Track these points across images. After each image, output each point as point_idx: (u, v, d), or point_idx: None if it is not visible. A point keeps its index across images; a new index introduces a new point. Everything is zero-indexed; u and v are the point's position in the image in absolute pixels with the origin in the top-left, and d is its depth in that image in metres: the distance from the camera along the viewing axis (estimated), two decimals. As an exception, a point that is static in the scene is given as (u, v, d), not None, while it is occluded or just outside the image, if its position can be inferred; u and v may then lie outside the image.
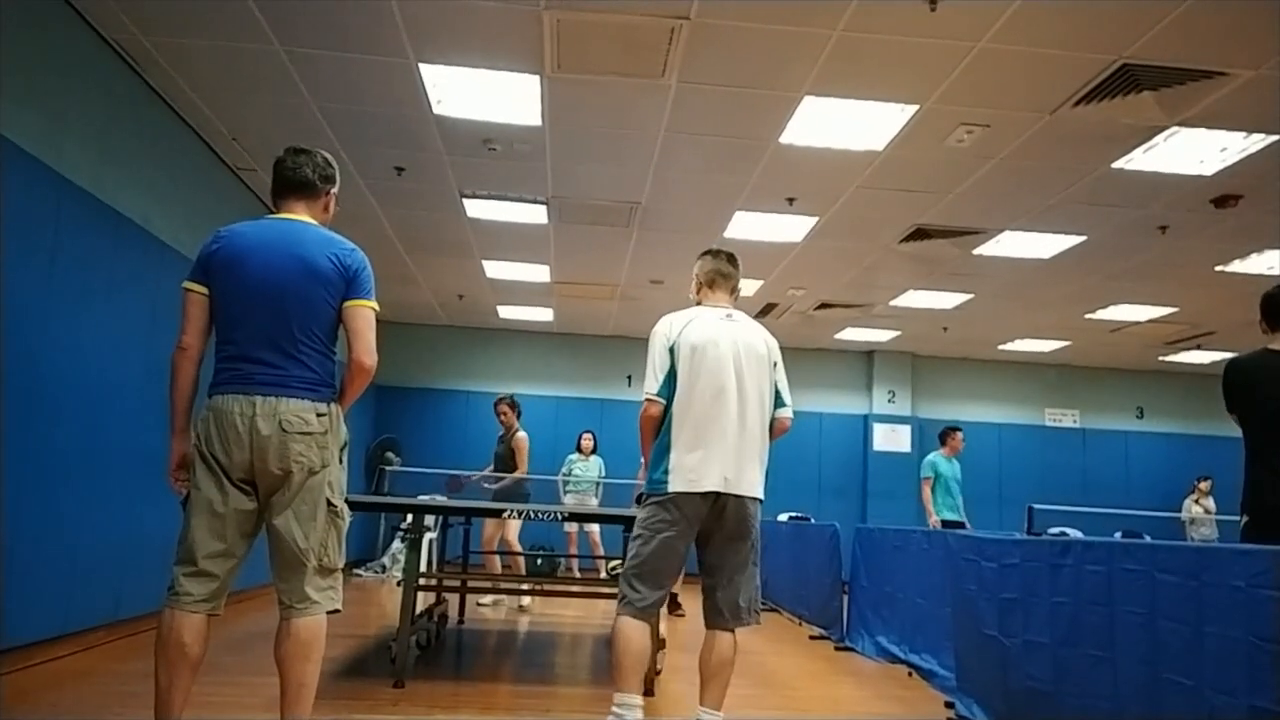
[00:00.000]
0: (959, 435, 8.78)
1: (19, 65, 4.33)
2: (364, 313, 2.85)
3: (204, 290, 2.80)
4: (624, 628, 3.27)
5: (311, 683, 2.73)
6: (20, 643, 4.43)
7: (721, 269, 3.58)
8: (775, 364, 3.49)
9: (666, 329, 3.43)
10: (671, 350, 3.38)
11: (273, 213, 2.99)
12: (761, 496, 3.37)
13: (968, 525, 8.37)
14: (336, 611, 2.81)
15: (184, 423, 2.78)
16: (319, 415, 2.77)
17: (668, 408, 3.36)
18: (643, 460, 3.51)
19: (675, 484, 3.26)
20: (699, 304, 3.57)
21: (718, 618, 3.36)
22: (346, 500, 2.93)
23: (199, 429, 2.76)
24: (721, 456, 3.26)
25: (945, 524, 8.21)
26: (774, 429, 3.48)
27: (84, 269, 4.92)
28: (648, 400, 3.39)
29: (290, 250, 2.80)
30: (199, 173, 6.52)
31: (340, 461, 2.86)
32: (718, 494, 3.25)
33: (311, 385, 2.78)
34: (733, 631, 3.36)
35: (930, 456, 8.73)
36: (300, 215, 2.94)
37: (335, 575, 2.83)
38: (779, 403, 3.49)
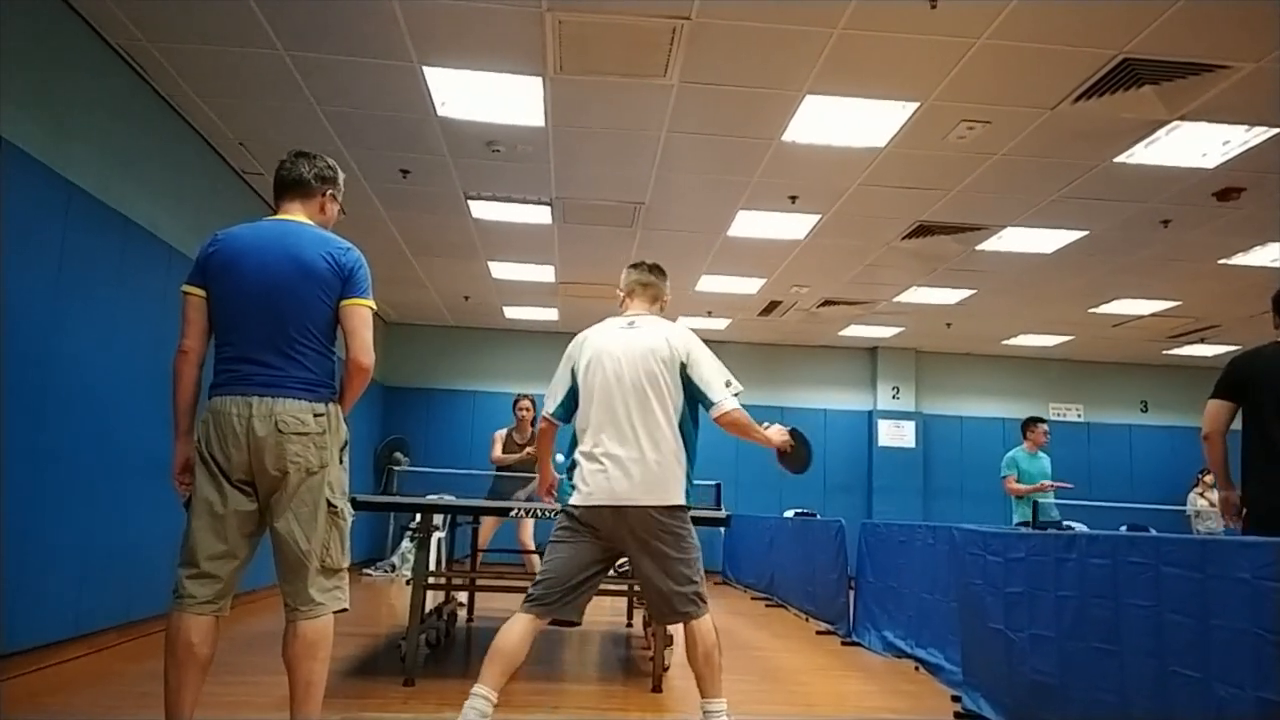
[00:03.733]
0: (1041, 427, 7.90)
1: (25, 71, 4.36)
2: (360, 312, 2.86)
3: (202, 293, 2.82)
4: (506, 624, 3.20)
5: (320, 681, 2.75)
6: (32, 645, 4.46)
7: (641, 279, 3.63)
8: (684, 363, 3.32)
9: (570, 348, 3.50)
10: (573, 370, 3.44)
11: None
12: (673, 502, 3.24)
13: (1064, 525, 7.60)
14: (344, 610, 2.83)
15: (187, 425, 2.80)
16: (316, 415, 2.77)
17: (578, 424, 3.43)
18: (539, 475, 3.75)
19: (574, 498, 3.28)
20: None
21: (669, 619, 3.32)
22: (353, 499, 2.94)
23: (199, 431, 2.78)
24: (615, 470, 3.22)
25: (1027, 524, 7.43)
26: (723, 425, 3.33)
27: (92, 274, 4.95)
28: (543, 420, 3.53)
29: (285, 250, 2.81)
30: (206, 177, 6.55)
31: (341, 461, 2.86)
32: (615, 507, 3.21)
33: (309, 385, 2.79)
34: (699, 619, 3.24)
35: (1010, 453, 7.94)
36: (297, 216, 2.95)
37: (340, 575, 2.84)
38: (707, 401, 3.31)
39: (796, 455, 3.62)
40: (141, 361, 5.31)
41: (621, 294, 3.68)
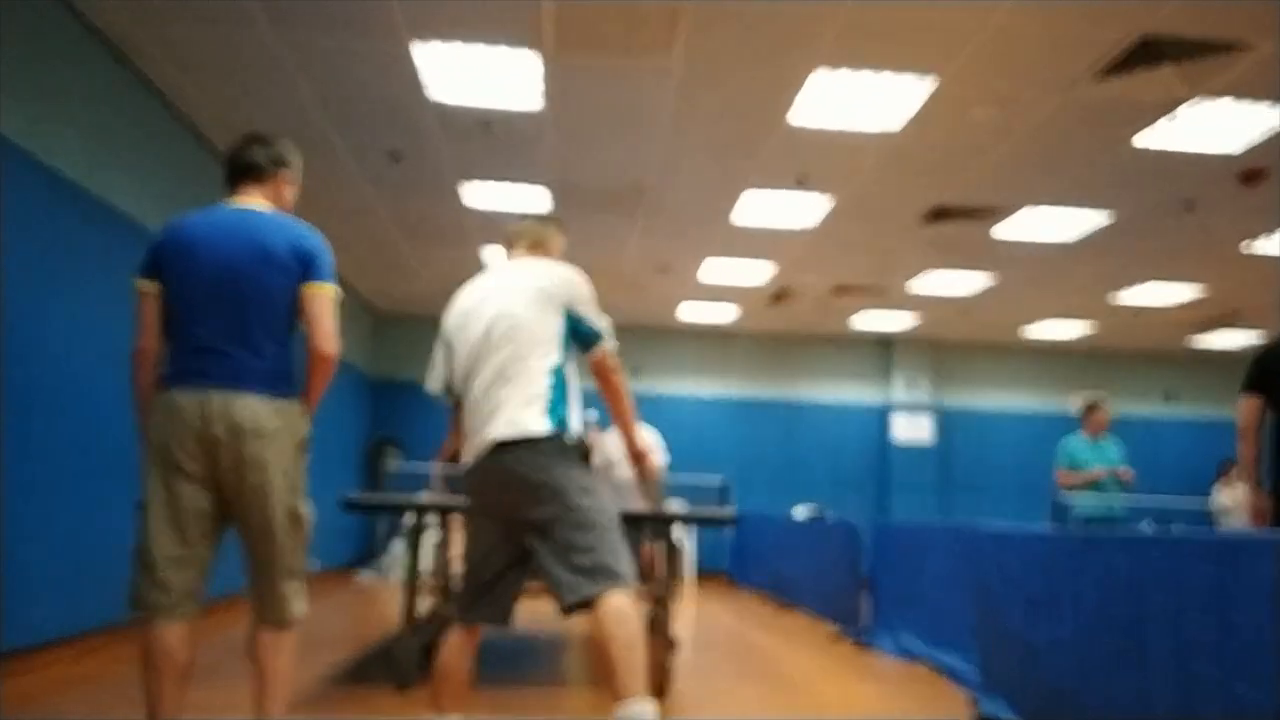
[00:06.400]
0: (1098, 412, 6.83)
1: (6, 56, 4.26)
2: (322, 297, 2.71)
3: (154, 287, 2.69)
4: (445, 641, 2.88)
5: (285, 676, 2.68)
6: (24, 646, 4.41)
7: (513, 230, 3.18)
8: (552, 296, 2.85)
9: (442, 322, 3.07)
10: (447, 342, 3.00)
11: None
12: (538, 432, 2.71)
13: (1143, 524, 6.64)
14: (301, 611, 2.70)
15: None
16: (275, 412, 2.65)
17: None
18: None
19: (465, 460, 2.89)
20: None
21: (568, 605, 2.67)
22: (347, 499, 2.83)
23: (151, 425, 2.65)
24: (485, 414, 2.78)
25: (1090, 522, 6.53)
26: (594, 369, 2.91)
27: (78, 264, 4.87)
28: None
29: (242, 236, 2.68)
30: (194, 165, 6.43)
31: (302, 459, 2.74)
32: (491, 453, 2.74)
33: (268, 380, 2.65)
34: (606, 598, 2.62)
35: (1064, 440, 6.89)
36: (254, 201, 2.81)
37: (300, 575, 2.73)
38: (592, 338, 2.86)
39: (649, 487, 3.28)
40: (130, 354, 5.22)
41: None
